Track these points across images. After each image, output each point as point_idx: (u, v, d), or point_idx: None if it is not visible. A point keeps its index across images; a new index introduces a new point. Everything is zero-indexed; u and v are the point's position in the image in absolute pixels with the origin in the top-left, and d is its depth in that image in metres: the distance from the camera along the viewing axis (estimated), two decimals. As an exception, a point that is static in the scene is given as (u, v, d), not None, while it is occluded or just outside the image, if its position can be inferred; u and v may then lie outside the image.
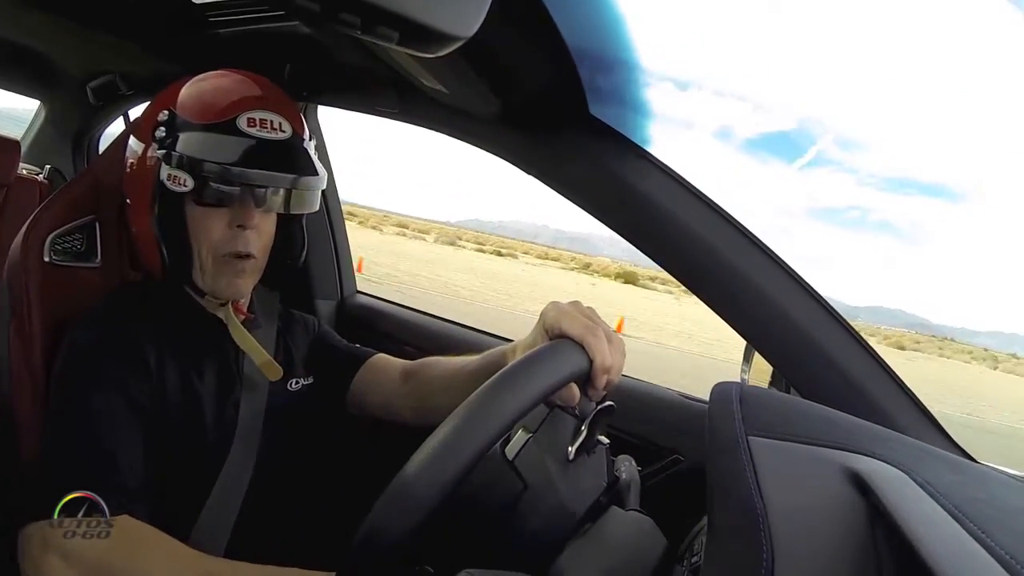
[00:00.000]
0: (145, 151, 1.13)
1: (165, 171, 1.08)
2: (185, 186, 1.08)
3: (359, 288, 2.15)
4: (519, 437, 0.94)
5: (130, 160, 1.17)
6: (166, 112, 1.12)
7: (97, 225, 1.28)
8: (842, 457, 0.69)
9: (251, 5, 1.49)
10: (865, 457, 0.69)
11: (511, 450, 0.92)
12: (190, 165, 1.07)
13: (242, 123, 1.10)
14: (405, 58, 1.10)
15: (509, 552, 0.88)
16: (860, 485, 0.65)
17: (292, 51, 1.56)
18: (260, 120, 1.11)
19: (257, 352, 1.21)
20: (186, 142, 1.09)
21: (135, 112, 2.45)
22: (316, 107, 1.89)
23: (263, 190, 1.12)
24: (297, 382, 1.31)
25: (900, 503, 0.60)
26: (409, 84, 1.29)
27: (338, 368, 1.37)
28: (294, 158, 1.14)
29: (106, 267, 1.29)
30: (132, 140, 1.18)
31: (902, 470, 0.67)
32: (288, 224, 1.26)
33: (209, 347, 1.20)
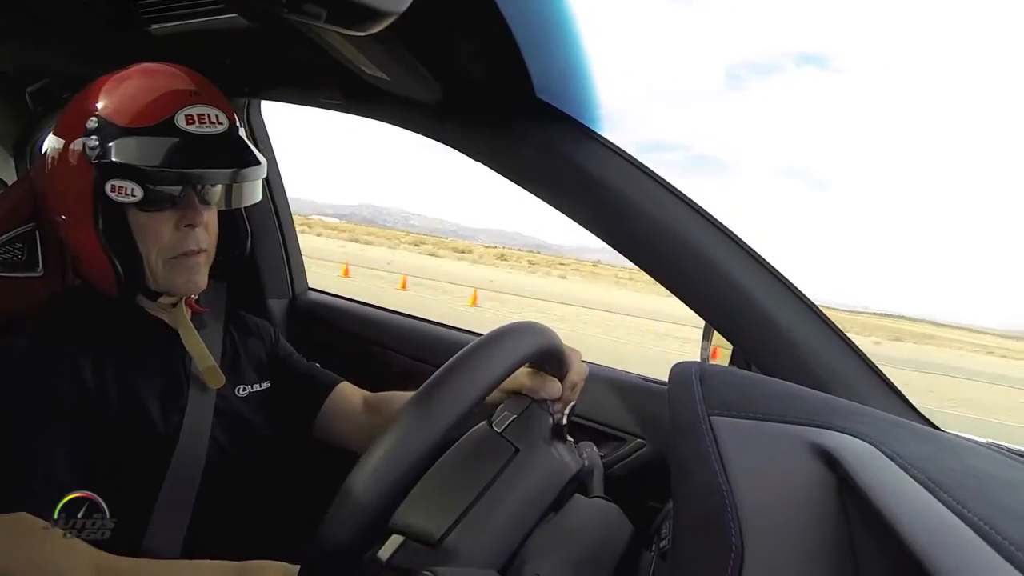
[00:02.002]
0: (67, 146, 1.09)
1: (107, 182, 1.04)
2: (133, 196, 1.05)
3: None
4: (505, 416, 0.97)
5: (51, 157, 1.13)
6: (95, 120, 1.07)
7: (37, 233, 1.24)
8: (808, 433, 0.68)
9: None
10: (832, 432, 0.69)
11: (499, 425, 0.95)
12: (134, 173, 1.04)
13: (180, 121, 1.07)
14: (346, 47, 1.07)
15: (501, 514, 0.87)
16: (828, 460, 0.64)
17: (232, 45, 1.52)
18: (198, 116, 1.08)
19: (203, 357, 1.19)
20: (124, 149, 1.04)
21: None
22: (259, 102, 1.85)
23: (209, 187, 1.12)
24: (245, 388, 1.28)
25: (870, 476, 0.59)
26: (352, 75, 1.26)
27: (304, 393, 1.37)
28: (236, 149, 1.13)
29: (49, 275, 1.25)
30: (51, 138, 1.14)
31: (871, 443, 0.66)
32: (230, 214, 1.24)
33: (156, 350, 1.18)
